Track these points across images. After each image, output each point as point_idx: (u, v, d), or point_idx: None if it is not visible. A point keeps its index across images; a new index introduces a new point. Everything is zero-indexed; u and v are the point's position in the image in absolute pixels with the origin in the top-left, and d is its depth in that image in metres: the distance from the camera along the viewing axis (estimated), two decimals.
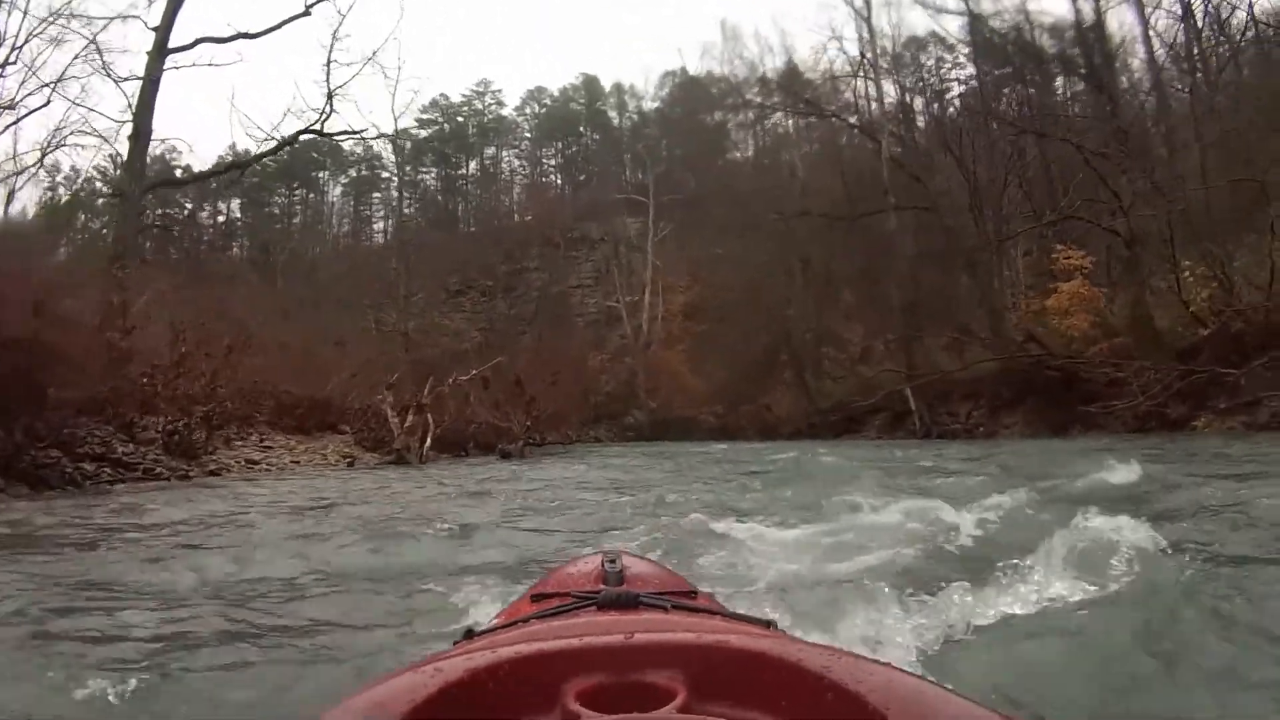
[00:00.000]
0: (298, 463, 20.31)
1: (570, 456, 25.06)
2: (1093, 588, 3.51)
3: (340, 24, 27.99)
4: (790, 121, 54.99)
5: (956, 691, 1.05)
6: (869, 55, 40.55)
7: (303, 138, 27.73)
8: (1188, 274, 22.29)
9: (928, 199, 34.30)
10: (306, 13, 26.52)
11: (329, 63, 27.11)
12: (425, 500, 11.14)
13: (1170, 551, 3.96)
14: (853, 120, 42.09)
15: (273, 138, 26.63)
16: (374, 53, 29.58)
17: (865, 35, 40.72)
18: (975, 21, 38.86)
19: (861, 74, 41.27)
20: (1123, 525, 3.92)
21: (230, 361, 20.47)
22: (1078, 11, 32.30)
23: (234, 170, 27.20)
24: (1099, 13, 31.36)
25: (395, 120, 36.04)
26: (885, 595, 3.43)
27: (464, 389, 25.88)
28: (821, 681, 1.02)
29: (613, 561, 2.18)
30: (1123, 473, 8.71)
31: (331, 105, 27.21)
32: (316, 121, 27.26)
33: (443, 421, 23.97)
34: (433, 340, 36.63)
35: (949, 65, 49.88)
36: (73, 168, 43.12)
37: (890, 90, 41.76)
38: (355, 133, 28.81)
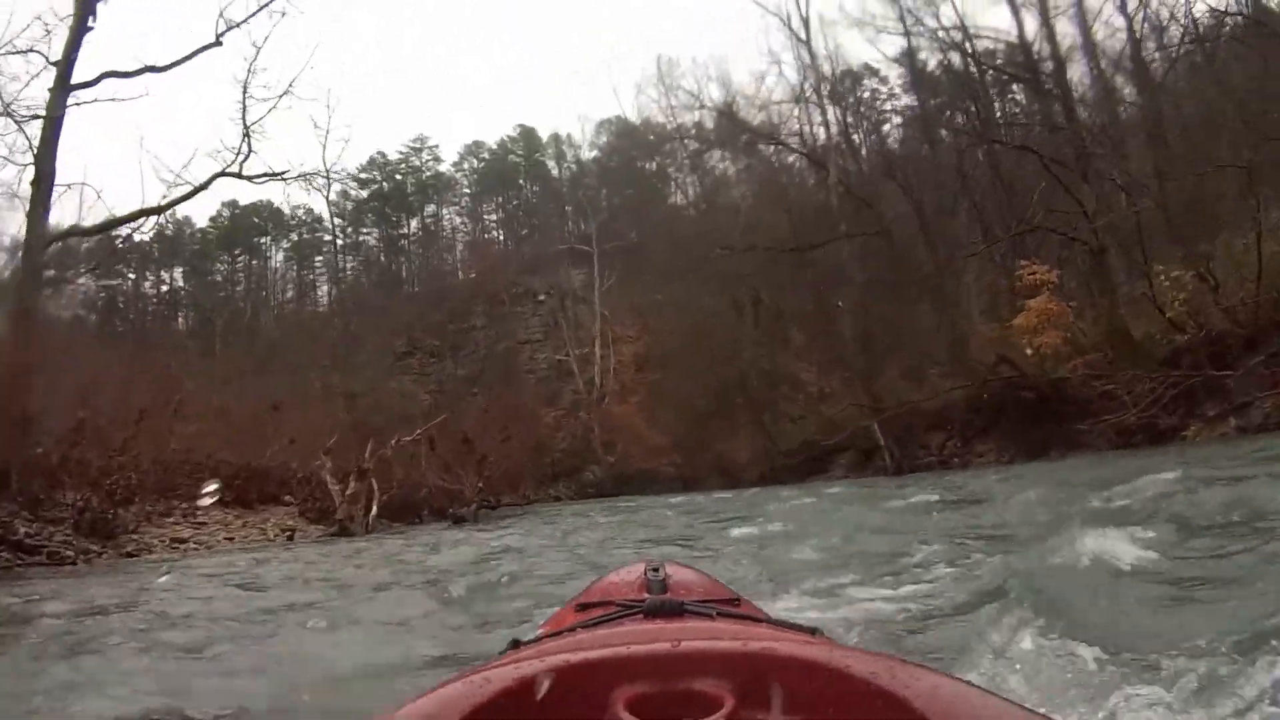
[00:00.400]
0: (232, 539, 18.72)
1: (526, 518, 23.59)
2: None
3: (256, 57, 26.25)
4: (729, 164, 54.58)
5: (1002, 696, 1.06)
6: (810, 80, 39.50)
7: (220, 180, 25.76)
8: (1162, 278, 21.16)
9: (879, 225, 33.30)
10: (218, 42, 24.80)
11: (244, 98, 25.56)
12: (343, 585, 9.61)
13: None
14: (796, 146, 41.15)
15: (188, 182, 24.73)
16: (290, 83, 27.36)
17: (806, 60, 39.63)
18: (912, 47, 37.96)
19: (804, 100, 40.19)
20: None
21: (145, 429, 18.88)
22: (1020, 24, 31.54)
23: (145, 216, 24.98)
24: (1048, 19, 30.59)
25: (327, 171, 34.17)
26: None
27: (409, 450, 24.24)
28: (868, 687, 1.02)
29: (655, 570, 2.20)
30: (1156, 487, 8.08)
31: (250, 145, 25.51)
32: (234, 163, 25.57)
33: (390, 487, 22.35)
34: (379, 403, 34.71)
35: (884, 97, 49.13)
36: None
37: (833, 117, 40.56)
38: (277, 174, 26.86)
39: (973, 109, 35.01)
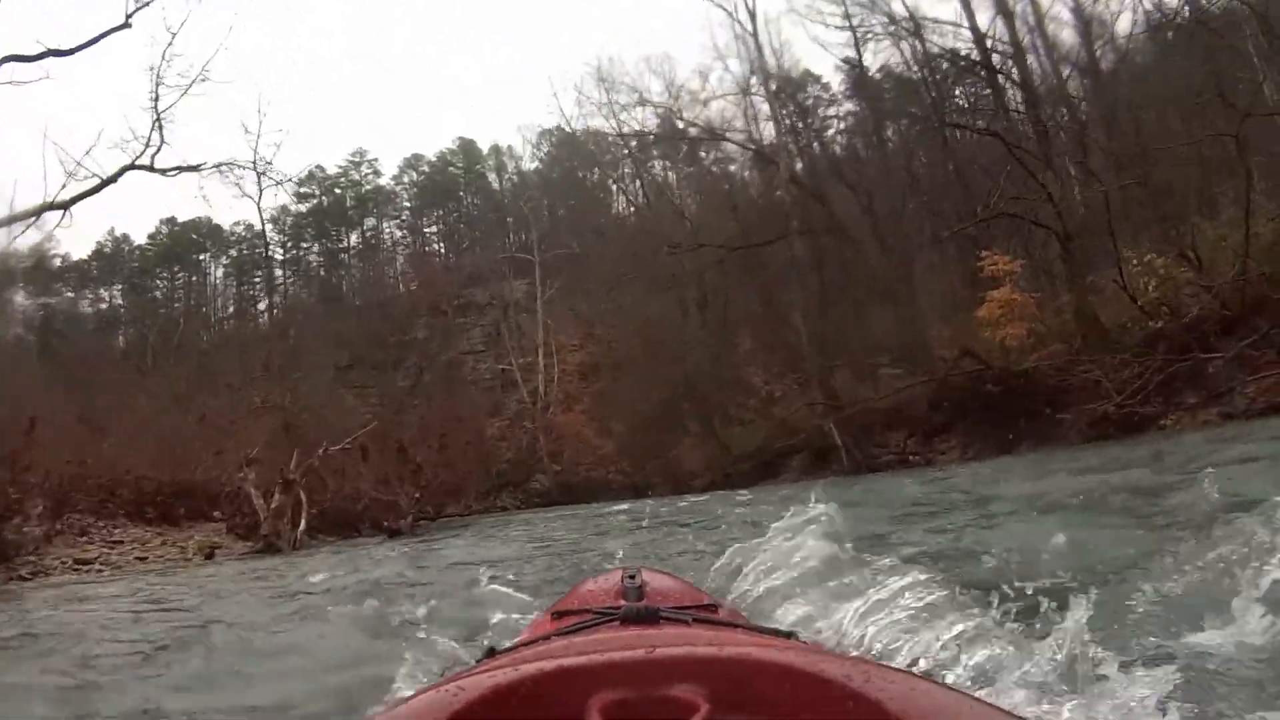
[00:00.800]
0: (145, 559, 17.33)
1: (469, 529, 22.22)
2: None
3: (171, 42, 24.87)
4: (672, 169, 53.81)
5: (977, 698, 1.09)
6: (758, 75, 38.42)
7: (130, 173, 24.21)
8: (1135, 263, 20.44)
9: (830, 222, 32.50)
10: (127, 24, 23.33)
11: (157, 85, 24.11)
12: (239, 611, 8.42)
13: None
14: (743, 142, 40.06)
15: (95, 175, 23.18)
16: (204, 66, 25.92)
17: (753, 53, 38.35)
18: (858, 42, 37.20)
19: (749, 94, 39.04)
20: None
21: (53, 445, 17.48)
22: (970, 14, 30.90)
23: (48, 211, 23.17)
24: (1006, 6, 29.95)
25: (255, 164, 32.50)
26: None
27: (341, 461, 22.82)
28: (843, 690, 1.03)
29: (632, 577, 2.27)
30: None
31: (162, 136, 24.10)
32: (144, 154, 24.05)
33: (323, 500, 20.97)
34: (318, 417, 33.08)
35: (827, 102, 48.42)
36: None
37: (780, 113, 39.48)
38: (190, 167, 25.40)
39: (929, 99, 34.23)
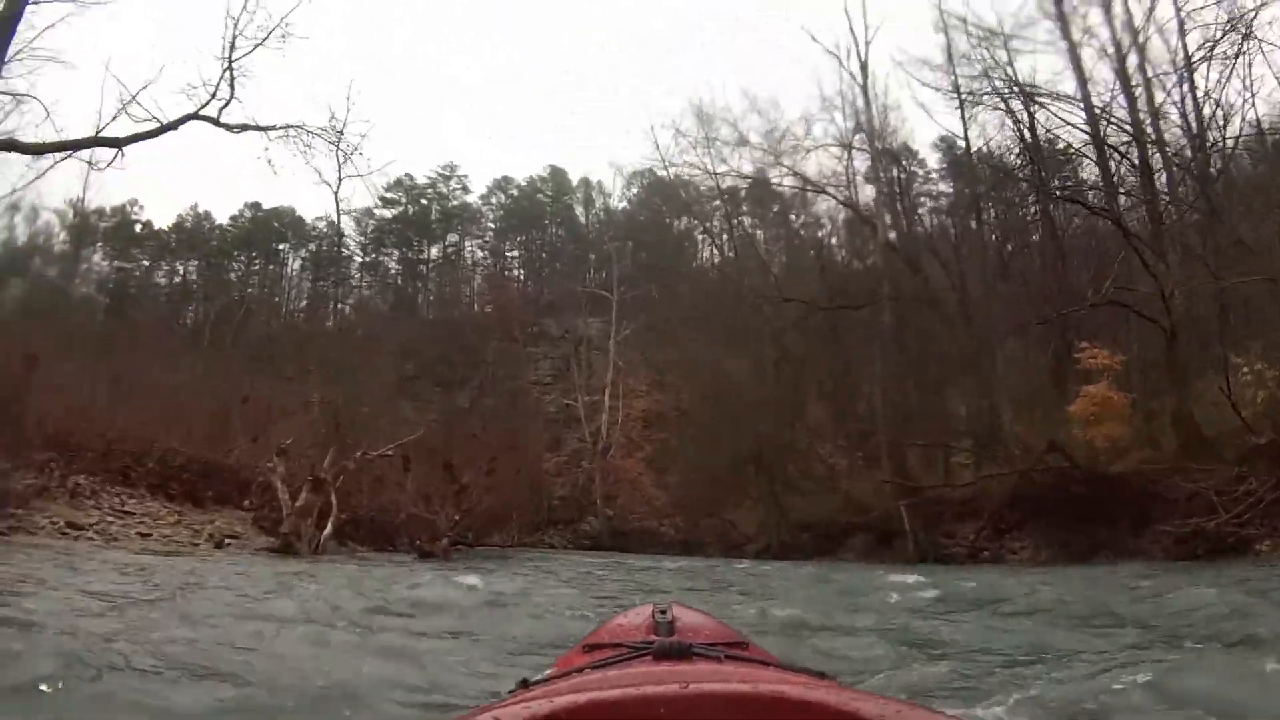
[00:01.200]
0: (148, 535, 16.66)
1: (507, 563, 21.24)
2: None
3: None
4: (760, 230, 53.07)
5: None
6: (864, 127, 37.14)
7: (192, 123, 23.22)
8: (1245, 372, 19.14)
9: (924, 292, 31.40)
10: None
11: (233, 31, 23.18)
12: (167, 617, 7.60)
13: None
14: (843, 199, 38.85)
15: (155, 119, 22.43)
16: (285, 17, 24.98)
17: (860, 107, 37.32)
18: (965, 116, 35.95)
19: (854, 148, 37.79)
20: None
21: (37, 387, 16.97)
22: (1087, 98, 29.78)
23: (100, 146, 22.32)
24: (1128, 88, 28.76)
25: (339, 167, 31.86)
26: None
27: (380, 468, 22.02)
28: None
29: (663, 612, 2.28)
30: None
31: (232, 88, 23.25)
32: (209, 105, 23.37)
33: (358, 507, 20.17)
34: (371, 422, 32.26)
35: (921, 179, 47.32)
36: None
37: (883, 173, 38.19)
38: (259, 126, 24.31)
39: (1035, 175, 32.92)
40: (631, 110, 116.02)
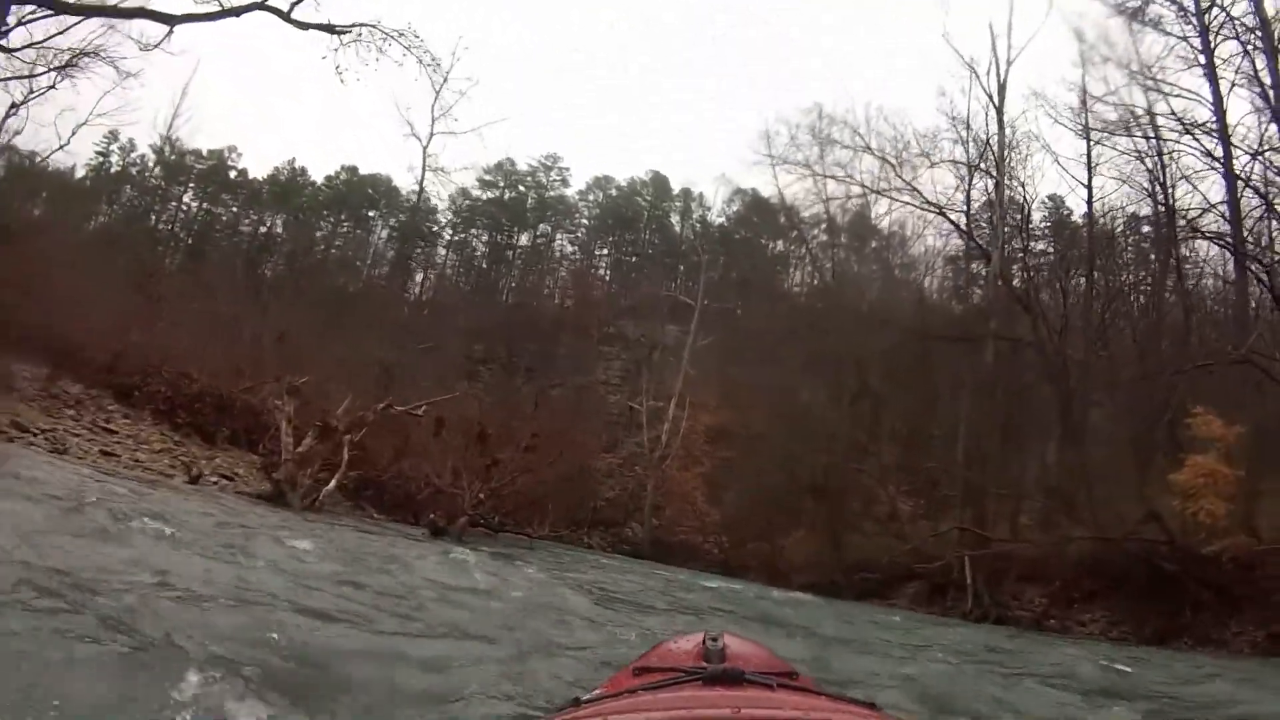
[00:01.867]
0: (111, 455, 15.37)
1: (533, 555, 19.42)
2: None
3: None
4: (857, 264, 50.97)
5: None
6: (994, 152, 34.58)
7: (257, 12, 21.88)
8: None
9: (1036, 334, 29.36)
10: None
11: None
12: None
13: None
14: (960, 225, 36.51)
15: (218, 2, 21.15)
16: None
17: (993, 130, 34.70)
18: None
19: (980, 169, 35.32)
20: None
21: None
22: (1227, 142, 27.50)
23: (147, 18, 20.96)
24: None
25: (433, 120, 30.68)
26: None
27: (407, 428, 20.46)
28: None
29: (715, 639, 2.26)
30: None
31: None
32: None
33: (378, 468, 18.61)
34: (420, 386, 30.58)
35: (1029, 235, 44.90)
36: None
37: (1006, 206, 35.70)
38: (329, 27, 22.72)
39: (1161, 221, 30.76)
40: (742, 115, 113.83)
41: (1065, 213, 39.31)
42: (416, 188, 56.73)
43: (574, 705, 1.61)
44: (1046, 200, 42.40)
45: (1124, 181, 32.18)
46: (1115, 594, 21.60)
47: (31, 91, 25.27)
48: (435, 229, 65.97)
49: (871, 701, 1.63)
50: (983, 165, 34.96)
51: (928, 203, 36.21)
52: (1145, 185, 31.22)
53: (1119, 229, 35.55)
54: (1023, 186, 35.98)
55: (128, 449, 16.45)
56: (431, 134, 34.44)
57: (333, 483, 17.37)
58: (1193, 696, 9.75)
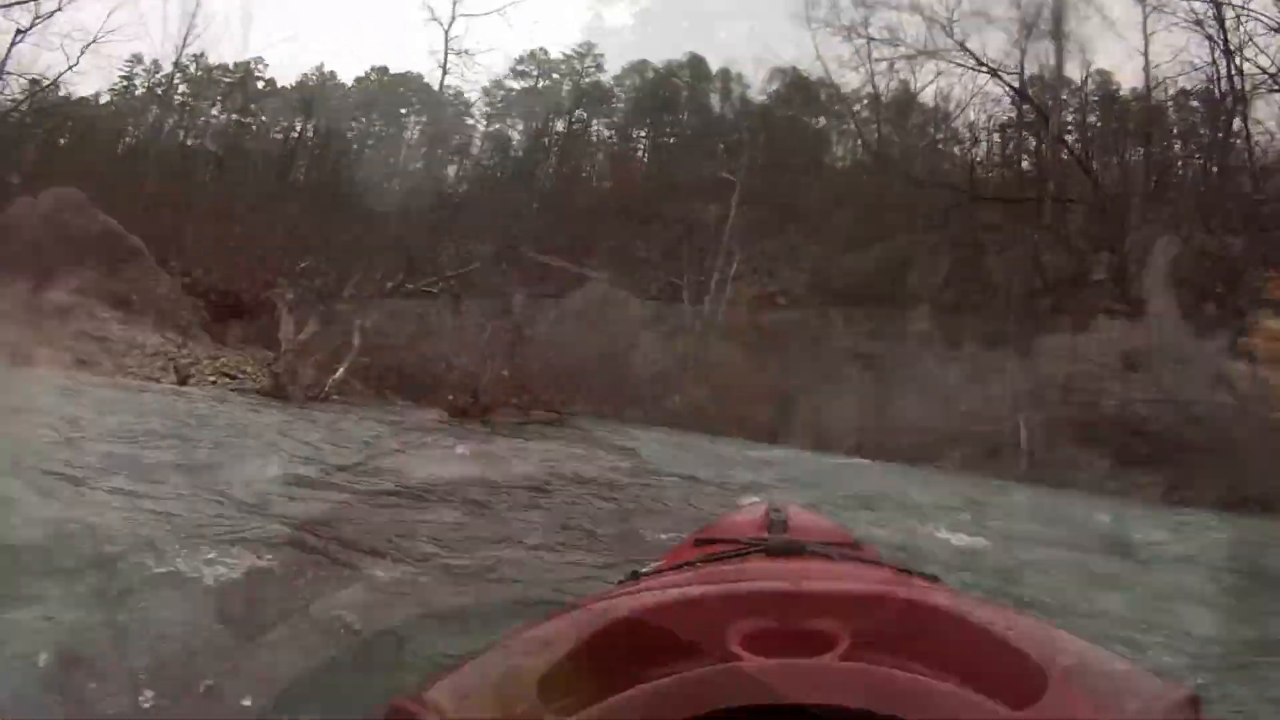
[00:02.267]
0: (83, 362, 14.62)
1: (558, 431, 18.80)
2: None
3: None
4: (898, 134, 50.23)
5: (1127, 658, 1.02)
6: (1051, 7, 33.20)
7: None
8: None
9: (1095, 195, 28.31)
10: None
11: None
12: None
13: None
14: (1013, 83, 35.02)
15: None
16: None
17: None
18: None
19: (1036, 27, 33.86)
20: None
21: None
22: None
23: None
24: None
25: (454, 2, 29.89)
26: None
27: (423, 313, 19.53)
28: (985, 635, 1.02)
29: (778, 510, 2.21)
30: None
31: None
32: None
33: (396, 357, 17.75)
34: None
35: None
36: None
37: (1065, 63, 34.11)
38: None
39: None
40: None
41: (1114, 87, 37.83)
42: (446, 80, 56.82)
43: (632, 579, 1.59)
44: (1095, 74, 40.86)
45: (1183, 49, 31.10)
46: (1180, 457, 21.02)
47: (38, 17, 24.62)
48: (471, 121, 66.18)
49: (935, 574, 1.58)
50: (1040, 25, 33.35)
51: (979, 63, 34.72)
52: (1204, 54, 30.05)
53: (1177, 94, 34.13)
54: (1081, 50, 34.44)
55: (112, 357, 15.73)
56: (454, 16, 33.64)
57: (340, 370, 16.59)
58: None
